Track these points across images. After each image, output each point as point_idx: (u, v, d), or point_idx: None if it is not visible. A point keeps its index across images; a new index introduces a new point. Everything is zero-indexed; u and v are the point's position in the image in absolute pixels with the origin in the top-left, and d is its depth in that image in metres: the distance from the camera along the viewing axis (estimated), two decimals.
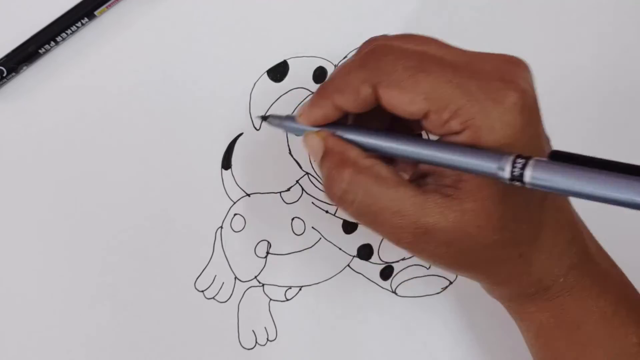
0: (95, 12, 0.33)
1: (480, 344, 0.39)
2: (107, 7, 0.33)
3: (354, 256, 0.38)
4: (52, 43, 0.33)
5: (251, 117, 0.36)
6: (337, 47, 0.37)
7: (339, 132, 0.28)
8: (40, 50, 0.33)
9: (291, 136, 0.37)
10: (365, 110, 0.27)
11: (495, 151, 0.24)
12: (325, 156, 0.28)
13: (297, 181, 0.38)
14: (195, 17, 0.35)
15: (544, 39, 0.41)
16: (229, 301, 0.37)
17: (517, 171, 0.23)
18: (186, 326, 0.37)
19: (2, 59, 0.32)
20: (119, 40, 0.34)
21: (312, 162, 0.37)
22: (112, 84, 0.34)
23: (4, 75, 0.32)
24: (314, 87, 0.37)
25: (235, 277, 0.37)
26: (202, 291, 0.37)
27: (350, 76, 0.27)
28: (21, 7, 0.33)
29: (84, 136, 0.34)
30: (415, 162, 0.28)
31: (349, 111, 0.28)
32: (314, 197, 0.38)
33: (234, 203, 0.37)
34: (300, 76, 0.37)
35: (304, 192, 0.38)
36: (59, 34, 0.33)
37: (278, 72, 0.36)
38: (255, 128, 0.37)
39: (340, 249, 0.38)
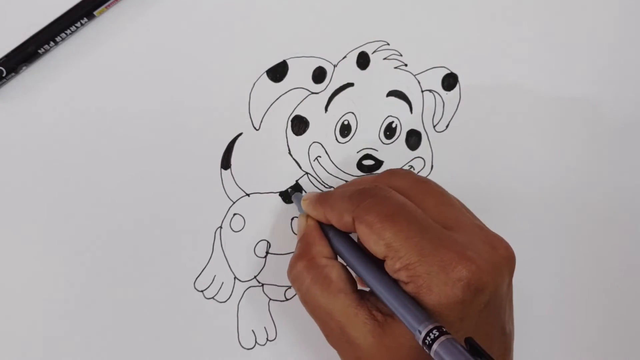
0: (95, 12, 0.33)
1: None
2: (106, 7, 0.33)
3: None
4: (52, 43, 0.33)
5: (251, 117, 0.36)
6: (337, 47, 0.37)
7: (323, 224, 0.33)
8: (39, 51, 0.33)
9: (291, 136, 0.37)
10: (348, 231, 0.32)
11: (424, 315, 0.27)
12: (299, 240, 0.34)
13: (296, 181, 0.38)
14: (194, 17, 0.35)
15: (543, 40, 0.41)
16: (228, 301, 0.37)
17: (428, 341, 0.26)
18: (186, 326, 0.37)
19: (1, 59, 0.32)
20: (119, 40, 0.34)
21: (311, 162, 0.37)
22: (111, 84, 0.34)
23: (4, 75, 0.32)
24: (314, 87, 0.37)
25: (235, 277, 0.37)
26: (202, 291, 0.37)
27: (340, 201, 0.31)
28: (21, 7, 0.33)
29: (83, 136, 0.34)
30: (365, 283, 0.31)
31: (334, 225, 0.32)
32: None
33: (234, 203, 0.37)
34: (299, 76, 0.37)
35: (303, 192, 0.38)
36: (58, 34, 0.33)
37: (277, 72, 0.36)
38: (255, 128, 0.37)
39: None
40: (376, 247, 0.29)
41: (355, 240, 0.33)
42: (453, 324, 0.28)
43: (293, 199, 0.37)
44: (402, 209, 0.30)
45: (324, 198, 0.33)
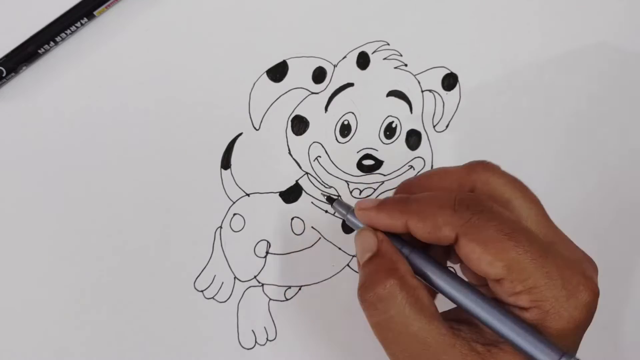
0: (95, 12, 0.33)
1: None
2: (106, 7, 0.33)
3: (353, 256, 0.38)
4: (52, 43, 0.33)
5: (251, 117, 0.36)
6: (337, 47, 0.37)
7: (395, 242, 0.28)
8: (39, 50, 0.33)
9: (291, 136, 0.37)
10: (440, 243, 0.27)
11: (556, 347, 0.25)
12: (375, 258, 0.28)
13: (296, 181, 0.38)
14: (194, 17, 0.35)
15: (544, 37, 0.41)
16: (228, 301, 0.37)
17: None
18: (186, 326, 0.37)
19: (1, 59, 0.32)
20: (118, 40, 0.34)
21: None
22: (111, 84, 0.34)
23: (4, 75, 0.32)
24: (314, 87, 0.37)
25: (235, 277, 0.37)
26: (202, 291, 0.37)
27: (438, 211, 0.27)
28: (21, 7, 0.33)
29: (83, 136, 0.34)
30: (463, 309, 0.27)
31: (415, 236, 0.27)
32: (313, 197, 0.38)
33: (234, 203, 0.37)
34: (299, 76, 0.37)
35: (303, 192, 0.38)
36: (58, 34, 0.33)
37: (277, 72, 0.36)
38: (255, 127, 0.37)
39: (339, 248, 0.38)
40: (491, 268, 0.26)
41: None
42: (574, 347, 0.26)
43: (335, 206, 0.31)
44: (520, 226, 0.26)
45: (404, 204, 0.28)
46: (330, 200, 0.32)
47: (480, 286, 0.28)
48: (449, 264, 0.31)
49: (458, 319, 0.28)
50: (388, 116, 0.38)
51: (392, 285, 0.26)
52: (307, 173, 0.38)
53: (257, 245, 0.37)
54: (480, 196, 0.28)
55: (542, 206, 0.29)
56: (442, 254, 0.30)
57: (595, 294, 0.26)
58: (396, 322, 0.26)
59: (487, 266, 0.26)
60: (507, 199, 0.28)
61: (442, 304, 0.28)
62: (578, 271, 0.26)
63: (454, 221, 0.26)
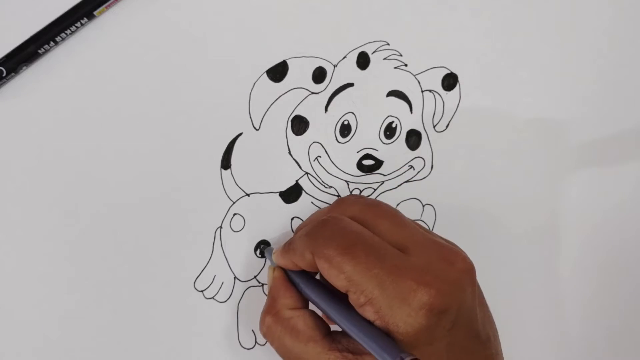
0: (95, 12, 0.33)
1: None
2: (106, 8, 0.33)
3: None
4: (52, 43, 0.33)
5: (251, 117, 0.36)
6: (337, 47, 0.37)
7: (290, 271, 0.33)
8: (39, 51, 0.33)
9: (291, 136, 0.37)
10: (315, 270, 0.31)
11: (396, 348, 0.27)
12: (268, 293, 0.34)
13: (296, 181, 0.38)
14: (194, 17, 0.35)
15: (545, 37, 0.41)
16: (228, 301, 0.37)
17: None
18: (186, 326, 0.37)
19: (1, 59, 0.32)
20: (119, 40, 0.34)
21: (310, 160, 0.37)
22: (111, 84, 0.34)
23: (4, 75, 0.32)
24: (314, 87, 0.37)
25: (235, 277, 0.37)
26: (202, 291, 0.37)
27: (299, 241, 0.31)
28: (21, 7, 0.33)
29: (83, 136, 0.34)
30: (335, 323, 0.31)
31: (303, 269, 0.32)
32: (313, 197, 0.38)
33: (234, 203, 0.37)
34: (299, 76, 0.37)
35: (303, 192, 0.38)
36: (58, 34, 0.33)
37: (277, 72, 0.36)
38: (255, 127, 0.37)
39: None
40: (337, 281, 0.29)
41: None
42: (424, 349, 0.28)
43: (265, 253, 0.37)
44: (359, 238, 0.30)
45: (287, 244, 0.33)
46: (262, 249, 0.37)
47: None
48: None
49: (343, 332, 0.31)
50: (388, 116, 0.38)
51: (269, 321, 0.32)
52: (307, 173, 0.38)
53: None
54: (330, 217, 0.31)
55: (399, 218, 0.32)
56: None
57: (430, 296, 0.27)
58: (282, 349, 0.32)
59: (335, 279, 0.29)
60: (363, 220, 0.31)
61: None
62: (413, 277, 0.28)
63: (308, 244, 0.30)
